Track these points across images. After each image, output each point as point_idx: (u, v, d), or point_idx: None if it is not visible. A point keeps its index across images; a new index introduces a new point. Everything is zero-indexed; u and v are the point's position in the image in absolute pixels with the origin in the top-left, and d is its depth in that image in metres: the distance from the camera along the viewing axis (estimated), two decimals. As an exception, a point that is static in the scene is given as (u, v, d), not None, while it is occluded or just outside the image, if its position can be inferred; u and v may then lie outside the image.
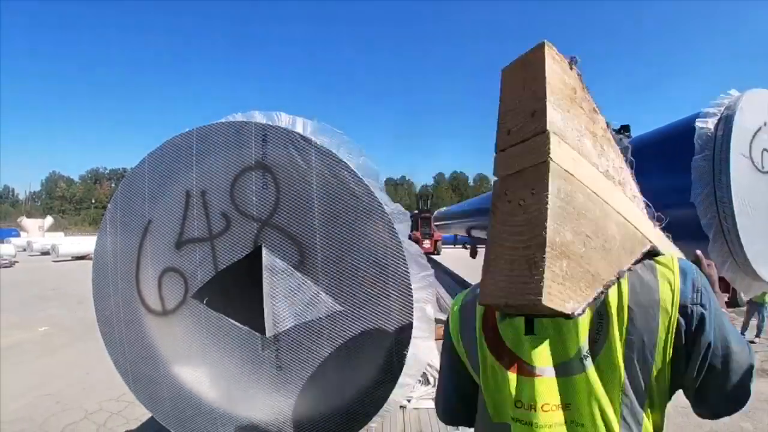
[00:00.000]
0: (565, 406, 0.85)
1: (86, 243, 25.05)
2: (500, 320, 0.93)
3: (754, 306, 7.84)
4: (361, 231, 1.63)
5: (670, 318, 0.80)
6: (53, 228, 42.34)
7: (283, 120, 1.68)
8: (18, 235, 35.74)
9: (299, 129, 1.65)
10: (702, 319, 0.80)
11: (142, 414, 3.93)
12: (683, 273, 0.83)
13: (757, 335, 7.77)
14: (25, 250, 28.28)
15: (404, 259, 1.62)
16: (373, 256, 1.64)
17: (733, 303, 9.56)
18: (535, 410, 0.85)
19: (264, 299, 1.67)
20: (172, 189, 1.75)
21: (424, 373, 2.78)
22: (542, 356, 0.87)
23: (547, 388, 0.86)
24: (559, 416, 0.85)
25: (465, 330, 1.02)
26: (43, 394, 5.06)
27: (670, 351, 0.81)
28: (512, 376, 0.89)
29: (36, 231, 37.96)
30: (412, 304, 1.66)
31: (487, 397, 0.95)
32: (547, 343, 0.87)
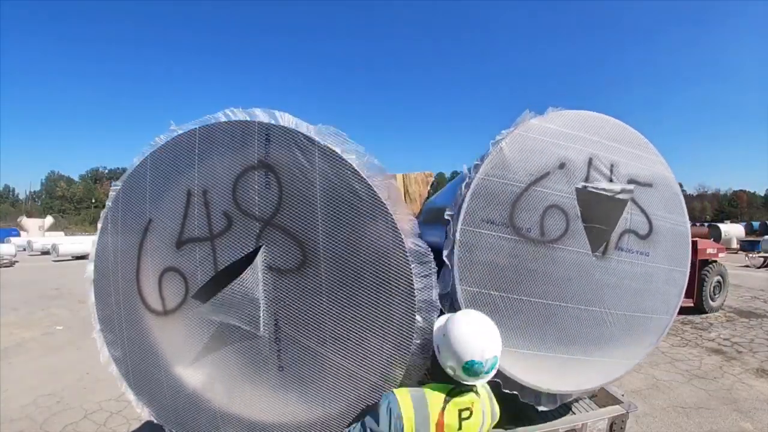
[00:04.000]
0: None
1: (86, 242, 25.00)
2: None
3: None
4: (364, 231, 1.62)
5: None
6: (53, 228, 42.34)
7: (286, 120, 1.67)
8: (18, 235, 35.71)
9: (302, 129, 1.65)
10: None
11: (139, 414, 3.93)
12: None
13: None
14: (25, 249, 28.25)
15: (407, 260, 1.62)
16: (376, 257, 1.63)
17: (699, 309, 9.25)
18: None
19: (265, 300, 1.66)
20: (174, 188, 1.74)
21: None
22: None
23: None
24: None
25: (418, 426, 1.40)
26: (44, 394, 5.06)
27: None
28: None
29: (36, 231, 37.96)
30: (415, 306, 1.66)
31: None
32: (467, 429, 1.45)
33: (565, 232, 1.93)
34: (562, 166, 1.94)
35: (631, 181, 2.07)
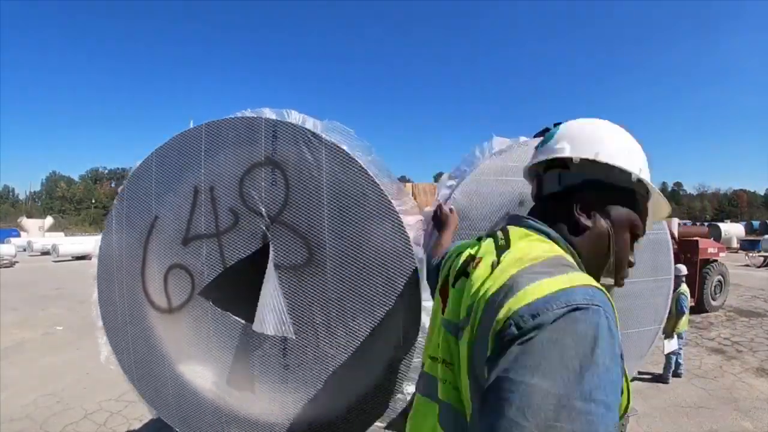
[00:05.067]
0: (448, 364, 0.83)
1: (86, 243, 24.99)
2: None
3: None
4: (371, 230, 1.62)
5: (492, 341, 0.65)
6: (53, 228, 42.29)
7: (293, 117, 1.67)
8: (18, 235, 35.66)
9: (309, 126, 1.65)
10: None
11: (143, 414, 3.93)
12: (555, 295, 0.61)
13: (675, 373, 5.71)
14: (25, 250, 28.22)
15: (413, 259, 1.62)
16: (382, 255, 1.63)
17: (699, 309, 9.15)
18: (437, 363, 0.87)
19: (272, 297, 1.67)
20: (180, 185, 1.74)
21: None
22: (448, 310, 0.87)
23: (443, 341, 0.85)
24: (448, 373, 0.83)
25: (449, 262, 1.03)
26: (44, 394, 5.06)
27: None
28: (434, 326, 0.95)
29: (36, 231, 37.92)
30: (421, 304, 1.66)
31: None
32: (455, 298, 0.86)
33: None
34: (521, 203, 1.91)
35: None
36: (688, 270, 6.48)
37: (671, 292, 2.22)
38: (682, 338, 5.64)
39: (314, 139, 1.62)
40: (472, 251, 0.89)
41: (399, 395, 1.68)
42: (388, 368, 1.67)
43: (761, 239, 22.51)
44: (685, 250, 9.11)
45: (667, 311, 2.22)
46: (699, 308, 9.18)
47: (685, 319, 5.65)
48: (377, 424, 1.70)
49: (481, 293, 0.72)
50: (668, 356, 5.52)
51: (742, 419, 4.45)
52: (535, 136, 2.07)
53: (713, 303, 9.42)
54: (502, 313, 0.63)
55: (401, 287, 1.65)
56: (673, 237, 9.36)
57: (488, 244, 0.86)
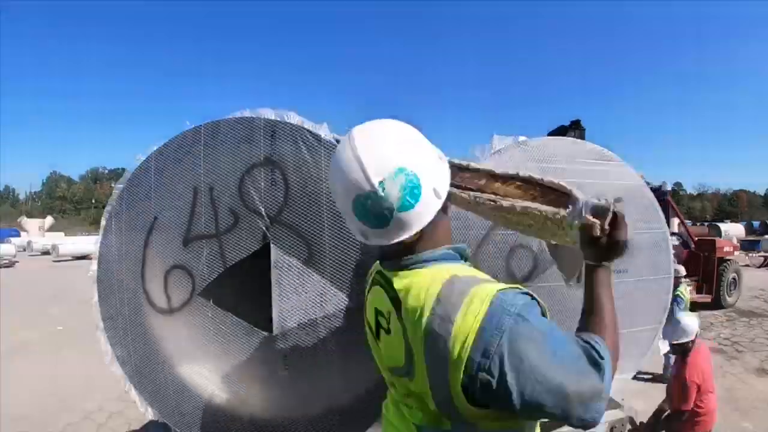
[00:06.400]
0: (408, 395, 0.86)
1: (87, 243, 24.99)
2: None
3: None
4: None
5: (458, 372, 0.70)
6: (53, 228, 42.30)
7: (292, 118, 1.68)
8: (18, 235, 35.67)
9: (308, 126, 1.65)
10: (488, 388, 0.68)
11: (143, 414, 3.93)
12: (489, 320, 0.70)
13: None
14: (25, 249, 28.22)
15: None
16: None
17: (716, 305, 9.29)
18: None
19: (273, 296, 1.67)
20: (179, 185, 1.74)
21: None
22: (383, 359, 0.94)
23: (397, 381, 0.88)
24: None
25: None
26: (44, 394, 5.06)
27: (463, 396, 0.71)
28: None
29: (36, 231, 37.93)
30: None
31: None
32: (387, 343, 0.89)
33: (535, 268, 1.93)
34: None
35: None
36: (705, 268, 6.99)
37: (671, 291, 2.22)
38: None
39: (313, 139, 1.62)
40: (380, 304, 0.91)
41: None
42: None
43: (761, 239, 22.51)
44: (702, 249, 9.41)
45: (668, 311, 2.23)
46: (716, 305, 9.33)
47: None
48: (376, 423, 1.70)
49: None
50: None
51: (742, 419, 4.44)
52: (549, 134, 2.07)
53: (728, 299, 9.64)
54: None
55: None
56: (690, 237, 9.38)
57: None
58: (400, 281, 0.83)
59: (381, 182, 0.75)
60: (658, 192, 9.15)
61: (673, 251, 2.23)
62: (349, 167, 0.77)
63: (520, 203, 1.05)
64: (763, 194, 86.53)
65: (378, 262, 0.95)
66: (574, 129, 6.96)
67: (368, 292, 0.98)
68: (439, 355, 0.72)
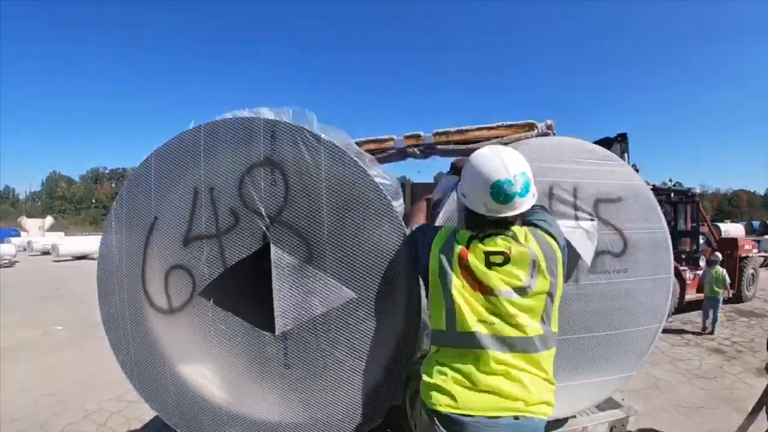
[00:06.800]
0: (512, 315, 1.35)
1: (86, 243, 24.99)
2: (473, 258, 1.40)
3: (710, 301, 7.90)
4: (370, 229, 1.63)
5: (560, 262, 1.43)
6: (53, 228, 42.28)
7: (292, 116, 1.68)
8: (18, 235, 35.65)
9: (308, 126, 1.65)
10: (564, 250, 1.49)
11: (143, 414, 3.93)
12: (556, 238, 1.48)
13: (711, 332, 7.81)
14: (25, 249, 28.22)
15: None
16: (381, 255, 1.64)
17: (737, 298, 10.20)
18: (500, 319, 1.35)
19: (273, 297, 1.66)
20: (180, 185, 1.74)
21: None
22: (501, 283, 1.36)
23: (503, 303, 1.35)
24: (509, 323, 1.35)
25: (444, 251, 1.44)
26: (44, 394, 5.05)
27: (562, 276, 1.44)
28: (479, 296, 1.37)
29: (36, 231, 37.89)
30: (421, 305, 1.66)
31: (452, 313, 1.37)
32: (503, 274, 1.37)
33: None
34: None
35: (598, 200, 2.03)
36: (728, 265, 8.50)
37: (671, 290, 2.23)
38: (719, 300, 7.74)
39: (313, 139, 1.62)
40: (495, 247, 1.40)
41: (399, 395, 1.68)
42: (388, 368, 1.67)
43: (761, 239, 22.48)
44: (725, 247, 10.33)
45: (668, 310, 2.23)
46: (737, 298, 10.30)
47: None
48: (377, 421, 1.70)
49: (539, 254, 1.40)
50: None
51: (742, 419, 4.44)
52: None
53: (747, 293, 10.74)
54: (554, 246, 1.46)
55: (401, 286, 1.65)
56: (713, 234, 10.12)
57: (502, 243, 1.41)
58: (511, 233, 1.43)
59: (514, 176, 1.38)
60: (687, 194, 9.46)
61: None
62: (495, 163, 1.40)
63: None
64: (763, 194, 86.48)
65: (464, 230, 1.48)
66: (620, 142, 7.06)
67: (464, 247, 1.42)
68: (550, 257, 1.40)
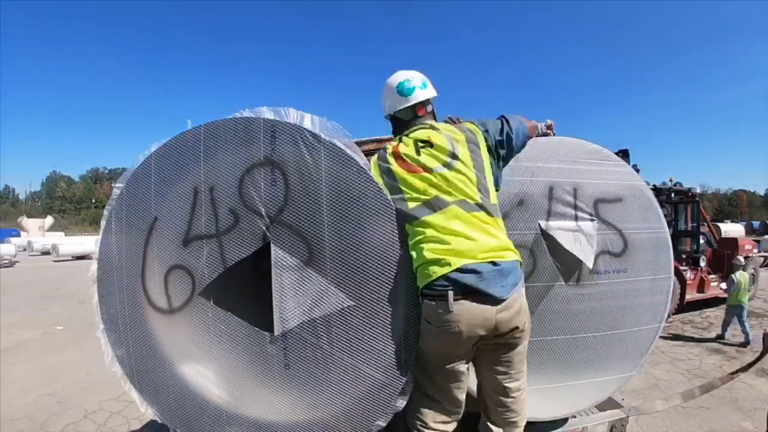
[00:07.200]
0: (450, 183, 1.64)
1: (87, 243, 25.01)
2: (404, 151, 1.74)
3: (734, 309, 7.41)
4: (370, 229, 1.63)
5: (481, 138, 1.78)
6: (53, 228, 42.32)
7: (292, 116, 1.67)
8: (18, 235, 35.68)
9: (308, 126, 1.65)
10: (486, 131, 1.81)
11: (143, 414, 3.93)
12: (477, 125, 1.83)
13: (746, 341, 7.18)
14: (25, 249, 28.25)
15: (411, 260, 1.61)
16: (382, 255, 1.63)
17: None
18: (439, 190, 1.64)
19: (273, 296, 1.66)
20: (180, 186, 1.74)
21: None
22: (432, 160, 1.68)
23: (438, 176, 1.65)
24: (448, 191, 1.64)
25: (381, 168, 1.72)
26: (44, 394, 5.05)
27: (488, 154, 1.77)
28: (419, 175, 1.66)
29: (36, 231, 37.94)
30: (421, 305, 1.66)
31: (402, 196, 1.65)
32: (430, 155, 1.69)
33: (534, 268, 1.95)
34: (521, 203, 1.93)
35: (598, 201, 2.03)
36: (728, 265, 8.30)
37: (671, 290, 2.22)
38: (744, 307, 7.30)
39: (313, 139, 1.62)
40: (419, 137, 1.77)
41: (399, 395, 1.68)
42: (388, 368, 1.67)
43: (761, 239, 22.48)
44: (726, 247, 10.43)
45: (668, 310, 2.23)
46: None
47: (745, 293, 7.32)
48: (379, 423, 1.70)
49: (456, 137, 1.75)
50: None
51: (742, 419, 4.44)
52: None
53: (749, 293, 10.44)
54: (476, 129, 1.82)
55: (402, 286, 1.65)
56: (713, 234, 10.22)
57: (423, 133, 1.78)
58: (429, 125, 1.84)
59: (411, 77, 1.90)
60: (687, 194, 9.49)
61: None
62: (395, 75, 1.92)
63: None
64: (763, 194, 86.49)
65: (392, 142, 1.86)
66: (621, 158, 7.06)
67: (396, 145, 1.78)
68: (471, 138, 1.76)
